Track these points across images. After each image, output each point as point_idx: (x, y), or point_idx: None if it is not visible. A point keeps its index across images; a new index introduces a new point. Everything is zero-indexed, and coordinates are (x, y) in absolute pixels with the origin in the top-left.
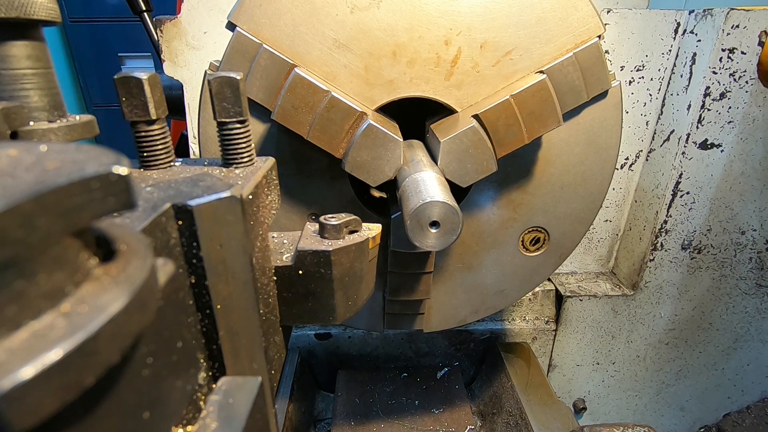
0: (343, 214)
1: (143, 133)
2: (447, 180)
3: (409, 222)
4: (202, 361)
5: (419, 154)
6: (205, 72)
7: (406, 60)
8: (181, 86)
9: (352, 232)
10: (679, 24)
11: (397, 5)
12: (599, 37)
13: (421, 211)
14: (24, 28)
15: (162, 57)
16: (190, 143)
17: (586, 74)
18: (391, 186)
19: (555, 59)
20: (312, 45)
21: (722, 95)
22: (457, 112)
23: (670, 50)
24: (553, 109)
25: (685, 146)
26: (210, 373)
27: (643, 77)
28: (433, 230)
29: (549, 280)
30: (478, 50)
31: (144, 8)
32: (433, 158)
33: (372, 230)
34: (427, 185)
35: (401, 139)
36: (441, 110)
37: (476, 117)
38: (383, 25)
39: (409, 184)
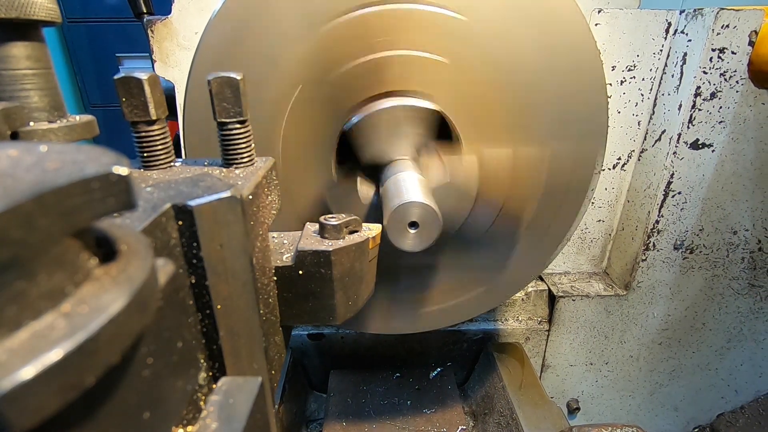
0: (343, 214)
1: (143, 134)
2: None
3: (388, 222)
4: (202, 361)
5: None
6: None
7: None
8: (173, 87)
9: (352, 232)
10: (670, 24)
11: None
12: None
13: (400, 211)
14: (24, 29)
15: (153, 57)
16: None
17: None
18: None
19: None
20: None
21: (713, 95)
22: None
23: (661, 50)
24: None
25: (676, 146)
26: (210, 374)
27: (634, 77)
28: (412, 231)
29: (542, 280)
30: None
31: (145, 10)
32: None
33: (372, 230)
34: (408, 186)
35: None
36: None
37: None
38: None
39: (390, 184)
